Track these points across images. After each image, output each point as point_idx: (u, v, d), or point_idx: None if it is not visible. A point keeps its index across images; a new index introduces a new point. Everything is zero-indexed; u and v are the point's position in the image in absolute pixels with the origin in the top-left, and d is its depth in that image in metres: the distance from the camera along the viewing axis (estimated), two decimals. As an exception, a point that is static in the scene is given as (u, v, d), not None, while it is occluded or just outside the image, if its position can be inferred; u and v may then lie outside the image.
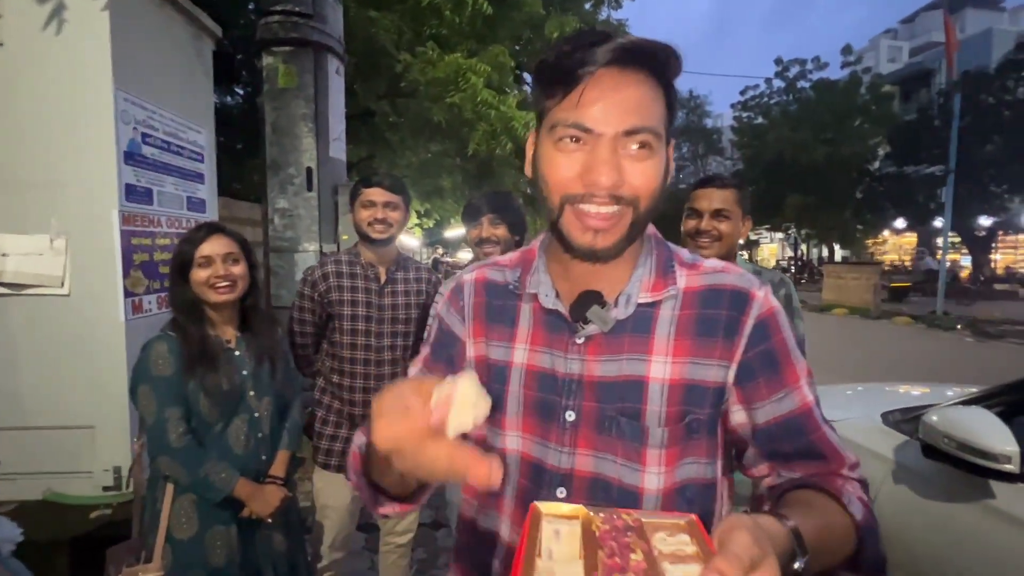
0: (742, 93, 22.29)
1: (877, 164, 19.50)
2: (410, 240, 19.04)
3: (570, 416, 0.62)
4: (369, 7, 3.35)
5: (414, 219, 10.77)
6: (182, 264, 1.31)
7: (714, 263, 0.65)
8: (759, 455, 0.62)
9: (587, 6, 6.14)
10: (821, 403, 0.62)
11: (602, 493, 0.61)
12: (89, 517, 1.82)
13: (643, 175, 0.56)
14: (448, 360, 0.71)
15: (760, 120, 21.67)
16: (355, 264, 1.77)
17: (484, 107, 3.19)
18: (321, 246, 3.92)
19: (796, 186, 18.77)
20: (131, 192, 1.99)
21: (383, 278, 1.77)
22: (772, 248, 34.20)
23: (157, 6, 2.19)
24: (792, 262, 24.74)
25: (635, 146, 0.55)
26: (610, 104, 0.54)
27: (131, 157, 1.99)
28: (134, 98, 2.00)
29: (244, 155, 6.22)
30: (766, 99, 21.71)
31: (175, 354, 1.28)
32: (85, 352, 1.91)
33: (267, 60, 3.97)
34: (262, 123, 3.98)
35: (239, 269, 1.35)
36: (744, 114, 22.34)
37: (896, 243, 27.21)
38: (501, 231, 1.58)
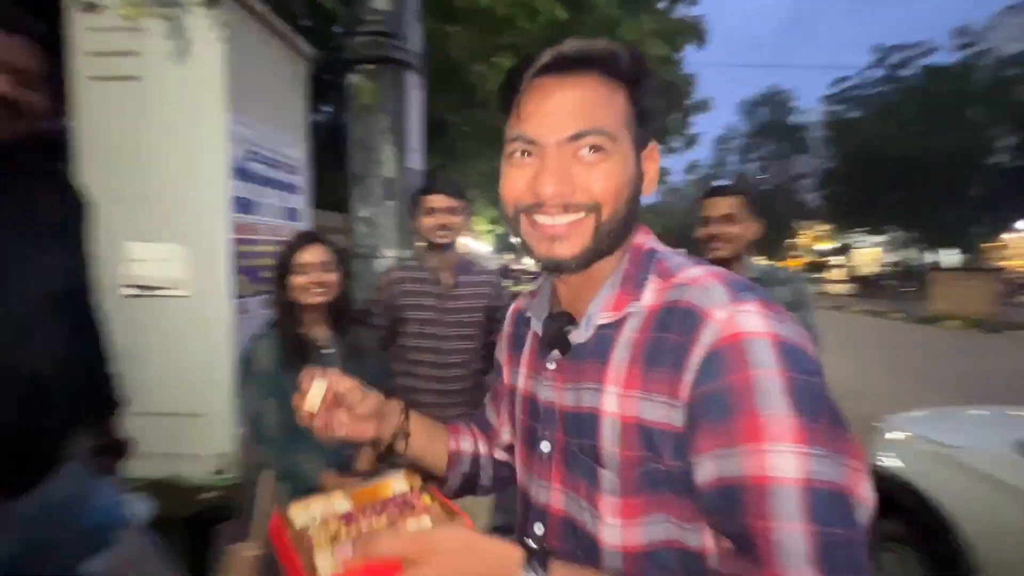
0: (834, 84, 20.62)
1: (996, 158, 17.20)
2: (482, 247, 19.49)
3: (545, 447, 0.59)
4: (445, 22, 3.49)
5: (486, 226, 11.00)
6: (283, 269, 1.43)
7: (689, 273, 0.53)
8: (710, 524, 0.48)
9: (660, 5, 5.98)
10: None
11: (572, 537, 0.56)
12: (198, 498, 2.02)
13: (599, 179, 0.51)
14: (494, 387, 0.79)
15: (856, 113, 19.88)
16: (421, 270, 1.82)
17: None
18: (400, 252, 4.11)
19: (898, 184, 17.00)
20: (239, 204, 2.20)
21: (448, 282, 1.80)
22: (872, 253, 31.12)
23: (261, 35, 2.41)
24: (894, 268, 22.35)
25: (585, 150, 0.51)
26: (551, 111, 0.51)
27: (239, 173, 2.20)
28: (242, 120, 2.21)
29: (327, 167, 6.68)
30: (862, 90, 19.91)
31: (274, 351, 1.39)
32: (199, 347, 2.13)
33: (352, 79, 4.22)
34: (347, 138, 4.25)
35: (333, 276, 1.45)
36: (837, 107, 20.62)
37: (1022, 247, 23.80)
38: None
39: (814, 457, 0.41)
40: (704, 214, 1.63)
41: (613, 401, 0.51)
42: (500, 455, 0.77)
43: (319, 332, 1.48)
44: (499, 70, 3.36)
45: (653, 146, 0.57)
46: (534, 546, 0.49)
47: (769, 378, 0.43)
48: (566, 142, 0.51)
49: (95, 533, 1.06)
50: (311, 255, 1.43)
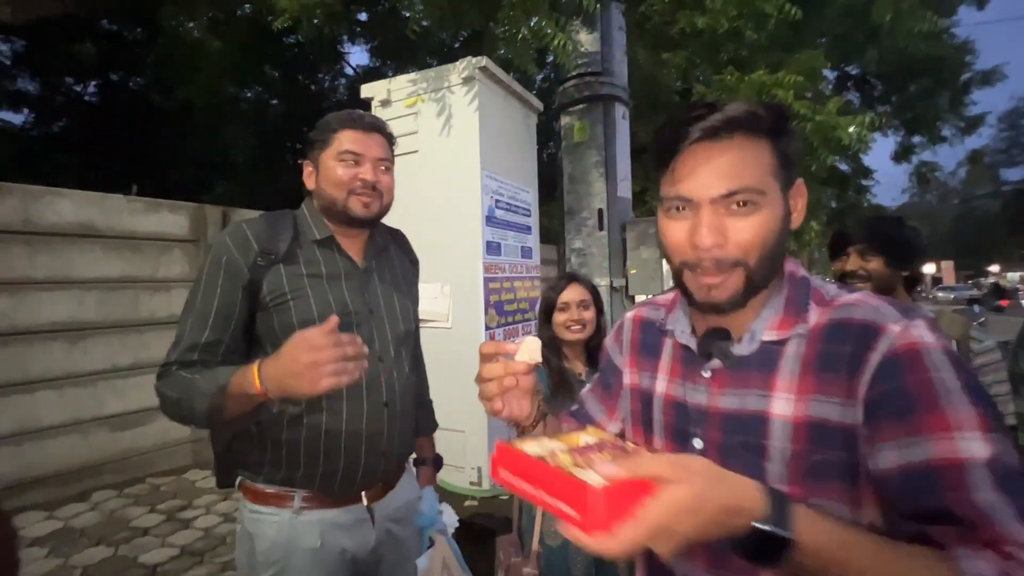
0: None
1: None
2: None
3: (698, 443, 0.67)
4: (660, 49, 3.47)
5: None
6: (547, 307, 1.57)
7: (851, 297, 0.61)
8: (890, 508, 0.55)
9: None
10: None
11: None
12: (463, 505, 2.31)
13: (748, 230, 0.59)
14: (607, 385, 0.84)
15: None
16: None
17: (795, 121, 2.85)
18: (612, 281, 4.16)
19: None
20: (489, 248, 2.52)
21: None
22: None
23: (503, 97, 2.76)
24: None
25: (736, 205, 0.59)
26: (703, 175, 0.60)
27: (489, 220, 2.53)
28: (491, 174, 2.55)
29: (540, 202, 7.23)
30: None
31: (543, 382, 1.52)
32: (460, 372, 2.47)
33: (564, 120, 4.51)
34: (560, 175, 4.54)
35: (589, 314, 1.54)
36: None
37: None
38: (874, 264, 1.32)
39: (995, 442, 0.50)
40: None
41: (783, 406, 0.60)
42: None
43: (578, 366, 1.57)
44: (722, 87, 3.18)
45: (799, 182, 0.64)
46: (773, 487, 0.52)
47: (948, 379, 0.52)
48: (719, 199, 0.59)
49: (423, 533, 1.29)
50: (571, 294, 1.54)
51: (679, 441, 0.70)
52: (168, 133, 7.64)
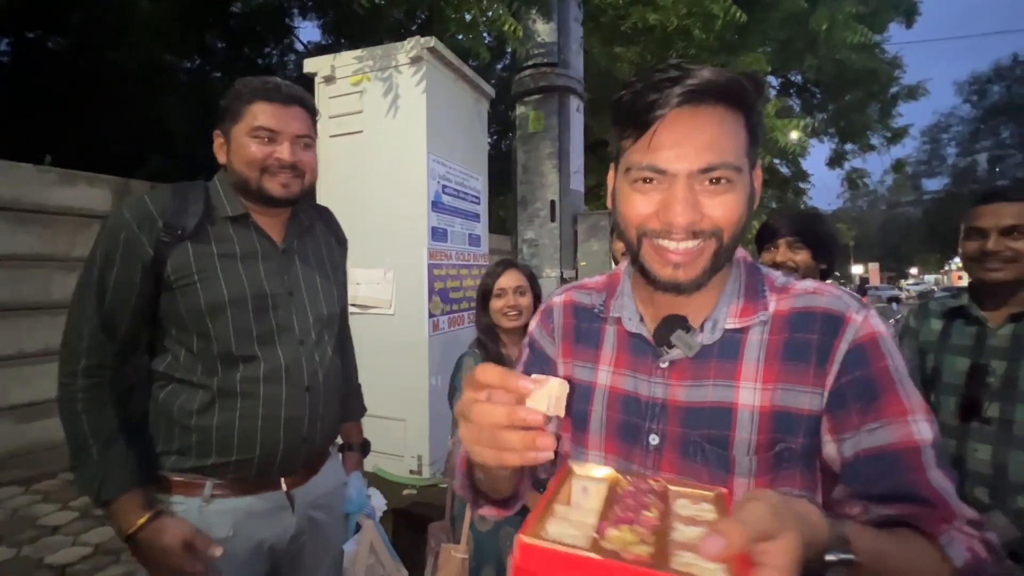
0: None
1: None
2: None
3: (654, 440, 0.62)
4: (614, 44, 3.50)
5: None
6: (484, 294, 1.55)
7: (806, 285, 0.61)
8: (849, 493, 0.55)
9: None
10: None
11: None
12: (402, 494, 2.27)
13: (722, 207, 0.55)
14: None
15: None
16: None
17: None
18: (562, 272, 4.21)
19: None
20: (435, 233, 2.47)
21: None
22: None
23: (453, 81, 2.71)
24: None
25: (711, 182, 0.55)
26: (683, 146, 0.54)
27: (435, 205, 2.47)
28: (438, 158, 2.50)
29: (492, 193, 7.19)
30: None
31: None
32: (402, 359, 2.43)
33: (520, 110, 4.49)
34: (514, 165, 4.52)
35: (525, 300, 1.54)
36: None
37: None
38: (801, 256, 1.38)
39: (934, 422, 0.54)
40: (977, 224, 1.29)
41: (752, 395, 0.58)
42: None
43: (516, 352, 1.57)
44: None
45: (759, 163, 0.61)
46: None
47: (899, 366, 0.55)
48: (697, 173, 0.54)
49: (349, 519, 1.25)
50: (507, 280, 1.53)
51: (629, 438, 0.64)
52: (95, 100, 7.02)
